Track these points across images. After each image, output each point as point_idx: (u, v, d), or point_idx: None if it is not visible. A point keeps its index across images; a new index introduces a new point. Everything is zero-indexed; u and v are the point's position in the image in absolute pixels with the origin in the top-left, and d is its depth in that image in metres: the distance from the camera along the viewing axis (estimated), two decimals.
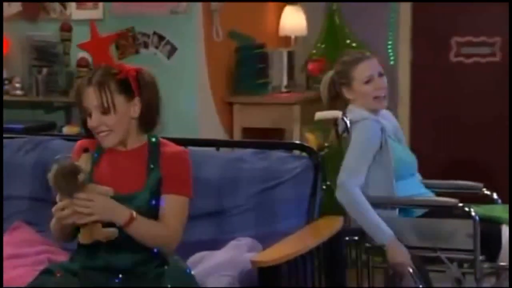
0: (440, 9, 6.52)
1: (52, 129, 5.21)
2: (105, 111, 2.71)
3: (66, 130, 5.10)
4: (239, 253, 3.00)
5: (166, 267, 2.74)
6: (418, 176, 3.67)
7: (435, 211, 3.43)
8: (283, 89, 5.88)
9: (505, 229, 3.30)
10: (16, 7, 5.51)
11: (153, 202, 2.73)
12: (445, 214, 3.37)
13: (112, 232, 2.65)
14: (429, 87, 6.57)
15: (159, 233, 2.72)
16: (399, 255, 3.35)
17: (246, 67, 5.69)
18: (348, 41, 5.50)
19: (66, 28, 5.33)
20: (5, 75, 5.48)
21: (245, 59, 5.70)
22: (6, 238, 3.30)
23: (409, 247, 3.36)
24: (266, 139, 5.31)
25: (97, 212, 2.62)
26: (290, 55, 5.98)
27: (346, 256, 3.45)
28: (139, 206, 2.70)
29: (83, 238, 2.67)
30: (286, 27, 6.23)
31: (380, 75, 3.62)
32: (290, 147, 3.58)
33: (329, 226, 3.13)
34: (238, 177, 3.22)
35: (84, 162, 2.69)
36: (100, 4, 5.32)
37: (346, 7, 5.76)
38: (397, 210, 3.49)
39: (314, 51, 5.60)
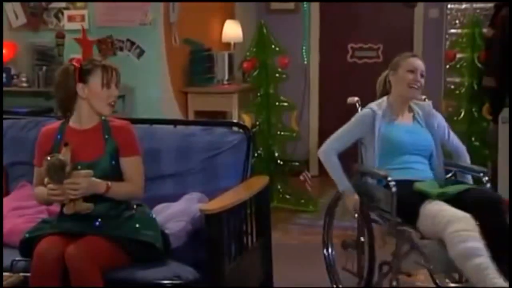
0: (340, 24, 6.59)
1: (49, 112, 5.08)
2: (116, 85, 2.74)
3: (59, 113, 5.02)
4: (191, 204, 2.97)
5: (134, 211, 2.71)
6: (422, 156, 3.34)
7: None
8: (225, 82, 5.83)
9: (428, 202, 3.02)
10: (22, 20, 5.39)
11: (113, 163, 2.69)
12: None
13: (90, 206, 2.61)
14: (332, 80, 6.64)
15: (129, 190, 2.70)
16: (350, 202, 3.26)
17: (197, 65, 5.64)
18: (273, 46, 5.45)
19: (60, 36, 5.24)
20: (13, 71, 5.37)
21: (197, 59, 5.65)
22: (14, 194, 3.22)
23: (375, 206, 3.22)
24: (212, 119, 5.31)
25: (83, 191, 2.58)
26: (230, 56, 5.93)
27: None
28: (104, 167, 2.66)
29: (67, 209, 2.62)
30: (227, 35, 6.20)
31: (422, 75, 3.34)
32: (230, 125, 3.51)
33: (258, 183, 3.10)
34: (191, 147, 3.16)
35: (65, 155, 2.61)
36: (86, 17, 5.21)
37: (271, 22, 5.77)
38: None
39: (248, 54, 5.55)
